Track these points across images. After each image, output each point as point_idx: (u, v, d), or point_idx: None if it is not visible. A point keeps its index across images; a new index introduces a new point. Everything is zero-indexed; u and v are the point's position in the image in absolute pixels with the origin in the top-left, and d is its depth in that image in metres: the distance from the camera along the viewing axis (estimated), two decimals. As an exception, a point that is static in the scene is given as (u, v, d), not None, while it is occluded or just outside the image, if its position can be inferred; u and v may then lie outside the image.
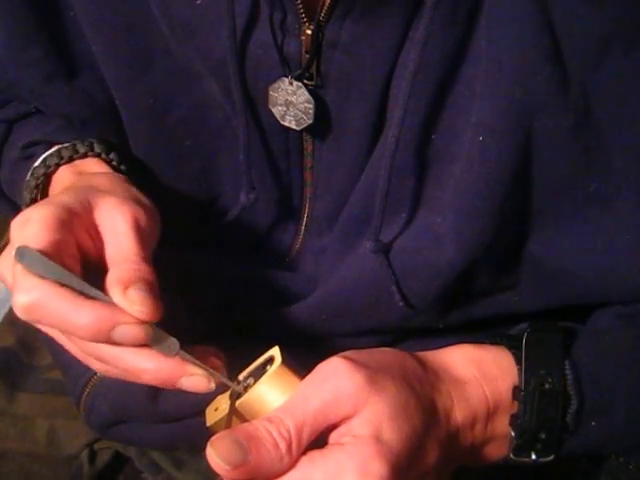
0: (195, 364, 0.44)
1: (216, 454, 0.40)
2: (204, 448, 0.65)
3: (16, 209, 0.62)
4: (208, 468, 0.65)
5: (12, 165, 0.58)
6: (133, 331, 0.42)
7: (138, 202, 0.48)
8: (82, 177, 0.54)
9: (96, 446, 0.70)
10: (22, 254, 0.42)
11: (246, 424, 0.43)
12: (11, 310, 0.79)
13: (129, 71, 0.54)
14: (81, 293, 0.42)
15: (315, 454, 0.42)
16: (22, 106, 0.60)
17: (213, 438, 0.41)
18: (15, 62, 0.55)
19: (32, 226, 0.44)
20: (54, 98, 0.57)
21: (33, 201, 0.55)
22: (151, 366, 0.43)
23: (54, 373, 0.71)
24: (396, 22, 0.47)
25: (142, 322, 0.42)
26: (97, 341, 0.42)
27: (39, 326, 0.45)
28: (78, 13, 0.53)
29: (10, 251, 0.45)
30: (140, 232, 0.46)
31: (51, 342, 0.67)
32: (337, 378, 0.43)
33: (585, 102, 0.46)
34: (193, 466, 0.67)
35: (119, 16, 0.52)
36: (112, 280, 0.44)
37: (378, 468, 0.41)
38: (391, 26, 0.47)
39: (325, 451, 0.42)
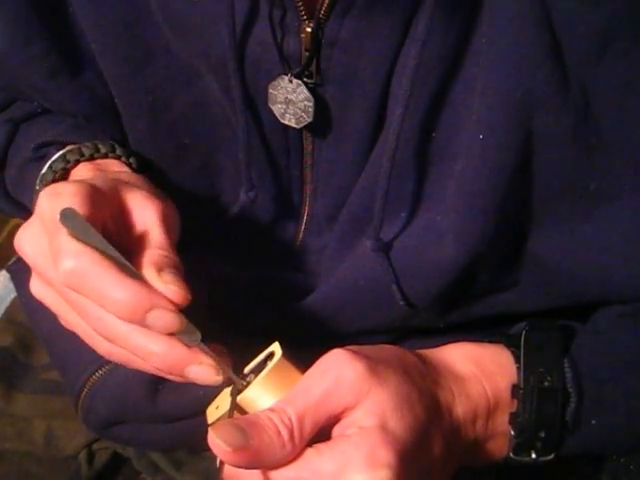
0: (211, 357, 0.44)
1: (217, 436, 0.40)
2: (203, 449, 0.65)
3: (20, 209, 0.62)
4: (207, 469, 0.65)
5: (22, 165, 0.58)
6: (169, 318, 0.42)
7: (163, 199, 0.50)
8: (105, 173, 0.54)
9: (94, 446, 0.69)
10: (67, 217, 0.43)
11: (248, 414, 0.43)
12: (9, 309, 0.79)
13: (128, 68, 0.53)
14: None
15: (321, 446, 0.42)
16: (28, 106, 0.60)
17: (215, 424, 0.41)
18: (18, 58, 0.55)
19: (63, 199, 0.45)
20: (58, 94, 0.57)
21: None
22: (161, 349, 0.43)
23: (52, 373, 0.71)
24: (396, 20, 0.46)
25: (177, 310, 0.42)
26: (129, 320, 0.42)
27: (61, 293, 0.44)
28: (76, 10, 0.53)
29: (31, 223, 0.46)
30: (167, 226, 0.48)
31: (48, 342, 0.67)
32: (338, 367, 0.43)
33: (585, 100, 0.46)
34: (192, 467, 0.67)
35: (118, 13, 0.52)
36: (146, 263, 0.44)
37: (385, 456, 0.41)
38: (391, 24, 0.47)
39: (331, 443, 0.42)
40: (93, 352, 0.61)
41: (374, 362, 0.44)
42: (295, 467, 0.42)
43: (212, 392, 0.47)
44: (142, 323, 0.42)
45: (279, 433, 0.41)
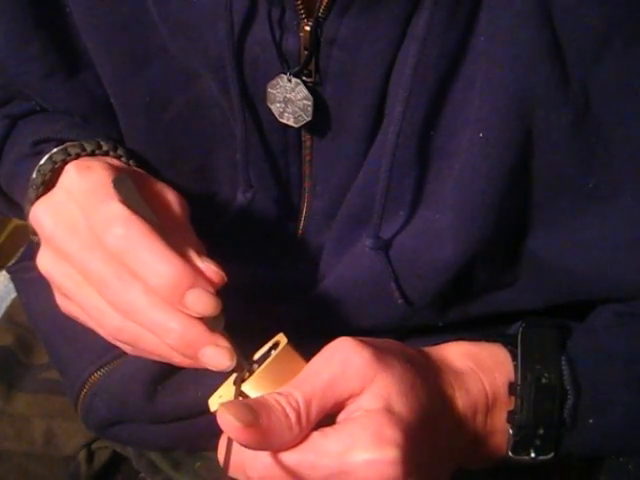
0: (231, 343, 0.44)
1: (228, 412, 0.40)
2: (202, 449, 0.65)
3: (11, 207, 0.62)
4: (206, 469, 0.65)
5: (17, 160, 0.57)
6: (208, 300, 0.42)
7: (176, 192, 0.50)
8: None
9: (94, 446, 0.69)
10: (121, 184, 0.43)
11: (256, 397, 0.43)
12: (9, 309, 0.79)
13: (125, 69, 0.53)
14: None
15: (327, 429, 0.42)
16: (26, 104, 0.60)
17: (225, 402, 0.41)
18: (15, 58, 0.55)
19: (95, 172, 0.45)
20: (55, 94, 0.57)
21: (49, 187, 0.54)
22: (180, 326, 0.43)
23: (52, 373, 0.71)
24: (395, 18, 0.46)
25: (215, 293, 0.43)
26: (169, 295, 0.42)
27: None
28: (73, 10, 0.53)
29: (52, 195, 0.47)
30: (187, 215, 0.48)
31: (48, 342, 0.67)
32: (345, 354, 0.43)
33: (585, 98, 0.46)
34: (191, 467, 0.67)
35: (114, 13, 0.52)
36: (185, 247, 0.45)
37: (392, 435, 0.41)
38: (390, 22, 0.47)
39: (337, 425, 0.42)
40: (93, 352, 0.62)
41: (379, 350, 0.44)
42: (300, 449, 0.42)
43: (210, 393, 0.47)
44: (179, 301, 0.42)
45: (287, 415, 0.41)
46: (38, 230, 0.47)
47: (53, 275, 0.47)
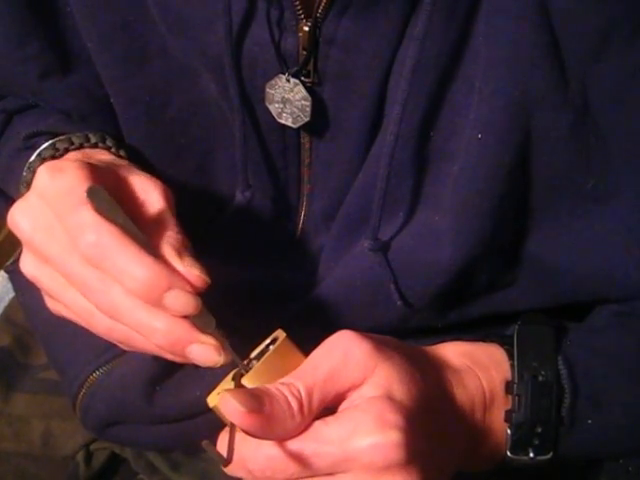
0: (221, 341, 0.44)
1: (232, 397, 0.40)
2: (200, 450, 0.65)
3: (7, 201, 0.62)
4: (204, 470, 0.65)
5: (11, 155, 0.57)
6: (187, 299, 0.42)
7: (161, 181, 0.50)
8: (93, 159, 0.53)
9: (92, 447, 0.69)
10: (94, 194, 0.43)
11: (258, 387, 0.43)
12: (7, 309, 0.79)
13: (124, 68, 0.53)
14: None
15: (329, 418, 0.42)
16: (21, 99, 0.59)
17: (227, 389, 0.41)
18: (11, 58, 0.55)
19: (66, 175, 0.45)
20: (51, 94, 0.57)
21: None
22: (164, 326, 0.42)
23: (50, 373, 0.71)
24: (394, 19, 0.47)
25: (195, 293, 0.43)
26: (146, 299, 0.42)
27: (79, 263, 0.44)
28: (73, 9, 0.53)
29: (28, 198, 0.46)
30: (171, 207, 0.48)
31: (46, 342, 0.67)
32: (345, 345, 0.43)
33: (584, 99, 0.46)
34: (189, 468, 0.67)
35: (114, 12, 0.52)
36: (164, 245, 0.45)
37: (394, 419, 0.41)
38: (389, 22, 0.47)
39: (338, 413, 0.43)
40: (91, 352, 0.61)
41: (379, 342, 0.44)
42: (302, 438, 0.42)
43: (209, 392, 0.47)
44: (158, 303, 0.42)
45: (289, 403, 0.41)
46: (17, 233, 0.46)
47: (38, 278, 0.47)
